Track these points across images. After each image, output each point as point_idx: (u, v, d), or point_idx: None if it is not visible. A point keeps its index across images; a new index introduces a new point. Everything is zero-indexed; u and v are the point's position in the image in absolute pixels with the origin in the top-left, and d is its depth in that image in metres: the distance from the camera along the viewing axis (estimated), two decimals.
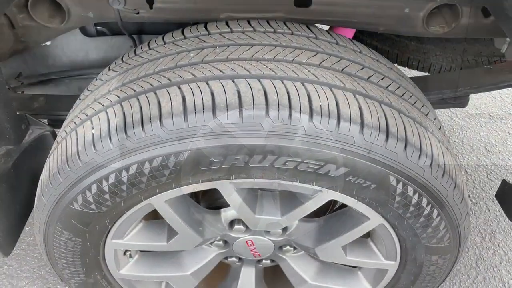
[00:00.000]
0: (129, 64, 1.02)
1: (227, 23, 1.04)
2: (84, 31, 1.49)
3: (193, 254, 1.22)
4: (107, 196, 0.93)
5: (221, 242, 1.19)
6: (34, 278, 1.71)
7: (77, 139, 0.92)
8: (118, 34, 1.51)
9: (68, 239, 1.05)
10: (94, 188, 0.92)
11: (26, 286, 1.68)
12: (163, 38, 1.05)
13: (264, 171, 0.89)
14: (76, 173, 0.92)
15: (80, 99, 1.08)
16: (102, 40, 1.50)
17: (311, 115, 0.84)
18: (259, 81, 0.86)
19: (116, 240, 1.09)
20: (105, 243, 1.09)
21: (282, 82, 0.87)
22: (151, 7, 1.19)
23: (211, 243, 1.20)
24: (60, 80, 1.56)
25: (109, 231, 1.05)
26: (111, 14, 1.24)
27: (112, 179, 0.90)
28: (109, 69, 1.07)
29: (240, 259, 1.27)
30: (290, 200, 1.05)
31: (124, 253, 1.18)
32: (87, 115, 0.95)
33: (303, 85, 0.87)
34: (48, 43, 1.46)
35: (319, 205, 1.02)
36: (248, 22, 1.04)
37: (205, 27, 1.04)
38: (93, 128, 0.91)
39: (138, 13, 1.21)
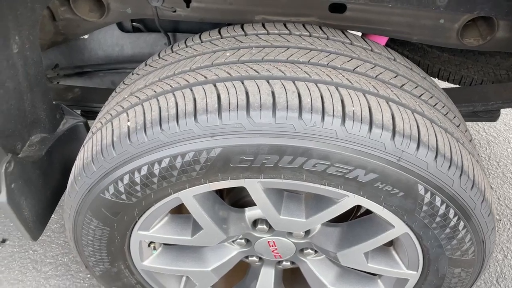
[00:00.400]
0: (166, 60, 1.04)
1: (263, 25, 1.05)
2: (121, 27, 1.53)
3: (215, 251, 1.24)
4: (138, 188, 0.96)
5: (243, 241, 1.21)
6: (58, 264, 1.75)
7: (112, 130, 0.95)
8: (153, 31, 1.55)
9: (97, 228, 1.08)
10: (126, 178, 0.95)
11: (50, 272, 1.73)
12: (200, 37, 1.07)
13: (293, 172, 0.90)
14: (110, 163, 0.95)
15: (116, 92, 1.11)
16: (137, 36, 1.54)
17: (343, 120, 0.85)
18: (294, 83, 0.87)
19: (143, 232, 1.12)
20: (132, 234, 1.12)
21: (316, 85, 0.88)
22: (187, 6, 1.22)
23: (233, 241, 1.22)
24: (95, 73, 1.61)
25: (137, 222, 1.08)
26: (148, 11, 1.28)
27: (144, 171, 0.93)
28: (145, 64, 1.10)
29: (260, 259, 1.28)
30: (315, 203, 1.05)
31: (149, 245, 1.21)
32: (123, 108, 0.98)
33: (337, 89, 0.88)
34: (86, 36, 1.50)
35: (345, 210, 1.02)
36: (284, 25, 1.05)
37: (242, 27, 1.06)
38: (128, 121, 0.93)
39: (175, 11, 1.25)
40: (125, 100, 1.00)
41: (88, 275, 1.72)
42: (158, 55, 1.10)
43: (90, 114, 1.51)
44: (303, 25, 1.06)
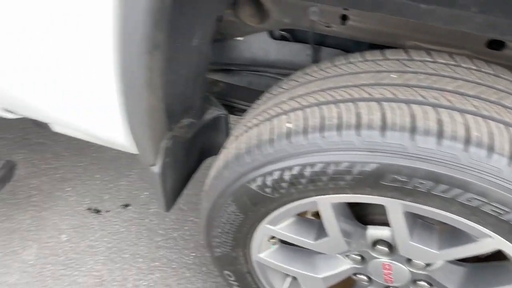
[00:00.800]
0: (328, 72, 1.11)
1: (429, 53, 1.07)
2: (270, 33, 1.64)
3: (328, 260, 1.27)
4: (284, 185, 1.03)
5: (358, 257, 1.23)
6: (168, 237, 1.92)
7: (271, 128, 1.04)
8: (298, 41, 1.64)
9: (233, 213, 1.17)
10: (276, 174, 1.02)
11: (160, 242, 1.90)
12: (363, 55, 1.12)
13: (443, 202, 0.90)
14: (264, 158, 1.03)
15: (272, 94, 1.20)
16: (283, 44, 1.64)
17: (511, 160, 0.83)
18: (462, 115, 0.88)
19: (270, 226, 1.19)
20: (259, 225, 1.20)
21: (485, 121, 0.87)
22: (343, 23, 1.28)
23: (347, 255, 1.24)
24: (237, 72, 1.74)
25: (269, 215, 1.15)
26: (304, 23, 1.36)
27: (295, 171, 0.99)
28: (305, 73, 1.18)
29: (369, 279, 1.29)
30: (451, 236, 1.04)
31: (269, 240, 1.28)
32: (283, 110, 1.06)
33: (506, 128, 0.87)
34: (241, 38, 1.64)
35: (482, 252, 0.99)
36: (451, 55, 1.06)
37: (406, 52, 1.08)
38: (289, 122, 1.01)
39: (329, 27, 1.31)
40: (284, 103, 1.08)
41: (193, 254, 1.86)
42: (318, 66, 1.17)
43: (229, 109, 1.64)
44: (470, 59, 1.06)
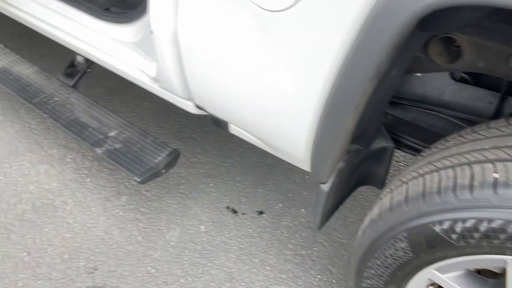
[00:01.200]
0: None
1: None
2: (451, 74, 1.59)
3: None
4: (477, 236, 0.98)
5: None
6: (296, 253, 1.95)
7: (472, 174, 1.00)
8: (480, 86, 1.56)
9: (401, 249, 1.15)
10: (470, 222, 0.98)
11: (289, 256, 1.94)
12: None
13: None
14: (459, 203, 0.99)
15: (466, 139, 1.16)
16: (463, 87, 1.58)
17: None
18: None
19: (437, 272, 1.14)
20: (426, 268, 1.15)
21: None
22: None
23: None
24: (403, 106, 1.72)
25: (442, 261, 1.11)
26: (500, 70, 1.29)
27: (496, 224, 0.94)
28: (510, 124, 1.12)
29: None
30: None
31: (427, 286, 1.23)
32: (486, 158, 1.02)
33: None
34: (419, 74, 1.62)
35: None
36: None
37: None
38: (496, 172, 0.96)
39: None
40: (487, 151, 1.04)
41: (319, 276, 1.86)
42: None
43: (395, 142, 1.62)
44: None
